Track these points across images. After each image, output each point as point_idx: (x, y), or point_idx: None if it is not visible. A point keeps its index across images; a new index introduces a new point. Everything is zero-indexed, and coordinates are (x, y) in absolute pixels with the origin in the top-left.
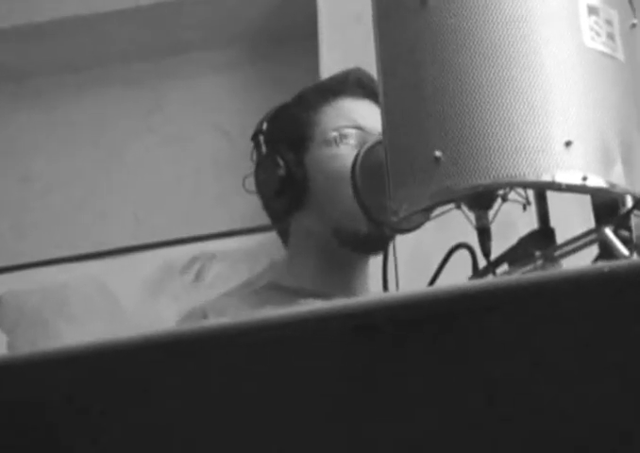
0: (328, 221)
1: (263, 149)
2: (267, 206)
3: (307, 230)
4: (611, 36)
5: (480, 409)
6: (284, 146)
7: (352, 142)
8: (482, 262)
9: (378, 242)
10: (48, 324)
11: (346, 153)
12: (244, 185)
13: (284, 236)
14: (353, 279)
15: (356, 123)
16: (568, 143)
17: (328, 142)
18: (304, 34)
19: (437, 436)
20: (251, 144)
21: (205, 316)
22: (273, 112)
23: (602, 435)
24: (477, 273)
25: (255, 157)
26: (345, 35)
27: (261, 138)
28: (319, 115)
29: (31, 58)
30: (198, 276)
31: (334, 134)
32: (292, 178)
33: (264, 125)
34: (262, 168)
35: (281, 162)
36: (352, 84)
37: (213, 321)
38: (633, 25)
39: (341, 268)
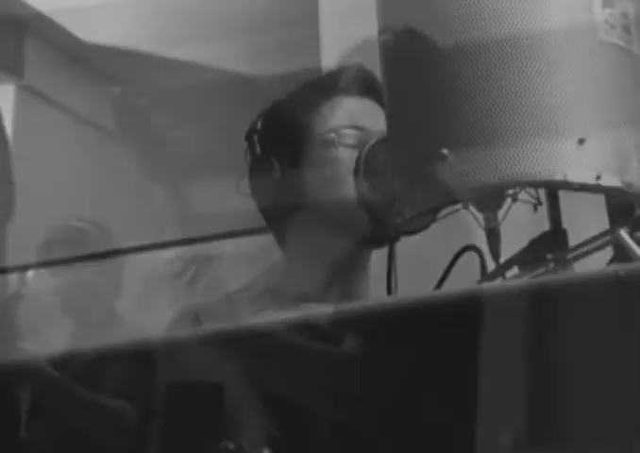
0: (327, 223)
1: (258, 149)
2: (262, 209)
3: (304, 233)
4: (626, 29)
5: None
6: (280, 147)
7: (351, 142)
8: (491, 265)
9: (381, 236)
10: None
11: (345, 155)
12: (237, 188)
13: (281, 239)
14: (353, 283)
15: (355, 122)
16: (581, 141)
17: (325, 144)
18: (304, 28)
19: (445, 437)
20: (245, 143)
21: (197, 317)
22: (268, 110)
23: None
24: (485, 276)
25: (249, 156)
26: (347, 29)
27: (256, 137)
28: (316, 115)
29: (7, 52)
30: (193, 281)
31: (332, 135)
32: (288, 181)
33: (259, 124)
34: (257, 170)
35: (277, 164)
36: (351, 81)
37: (209, 325)
38: None
39: (340, 271)
